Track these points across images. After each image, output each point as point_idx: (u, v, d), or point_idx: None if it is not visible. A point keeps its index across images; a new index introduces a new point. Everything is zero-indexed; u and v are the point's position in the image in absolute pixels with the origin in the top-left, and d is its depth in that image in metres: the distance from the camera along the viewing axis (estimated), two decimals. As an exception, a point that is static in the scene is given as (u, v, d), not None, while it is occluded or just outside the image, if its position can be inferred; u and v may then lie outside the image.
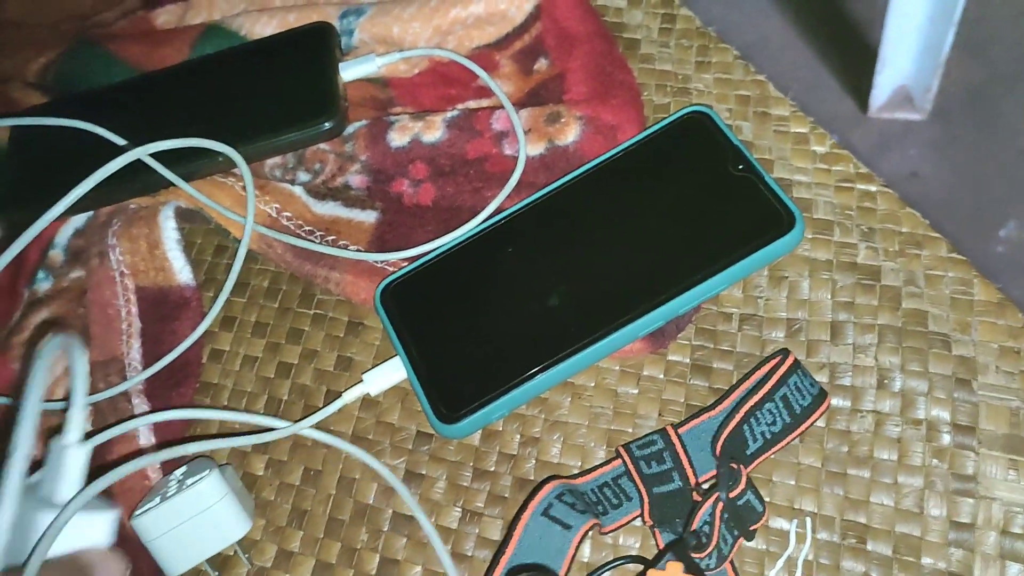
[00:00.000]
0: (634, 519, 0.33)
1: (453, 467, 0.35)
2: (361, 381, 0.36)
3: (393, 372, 0.36)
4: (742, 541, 0.31)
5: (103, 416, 0.38)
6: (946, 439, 0.32)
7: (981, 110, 0.38)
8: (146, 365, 0.39)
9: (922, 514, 0.31)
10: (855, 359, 0.34)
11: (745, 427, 0.32)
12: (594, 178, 0.38)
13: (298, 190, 0.42)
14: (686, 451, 0.33)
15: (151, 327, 0.40)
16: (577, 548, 0.32)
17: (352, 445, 0.35)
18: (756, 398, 0.32)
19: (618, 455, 0.34)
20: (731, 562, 0.31)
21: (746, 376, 0.34)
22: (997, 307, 0.34)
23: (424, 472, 0.35)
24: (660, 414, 0.35)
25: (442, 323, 0.36)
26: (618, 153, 0.38)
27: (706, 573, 0.30)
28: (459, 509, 0.35)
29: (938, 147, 0.37)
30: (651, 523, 0.32)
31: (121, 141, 0.41)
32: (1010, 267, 0.34)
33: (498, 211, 0.39)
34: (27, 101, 0.46)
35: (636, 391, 0.35)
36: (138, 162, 0.40)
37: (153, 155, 0.41)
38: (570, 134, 0.40)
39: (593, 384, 0.36)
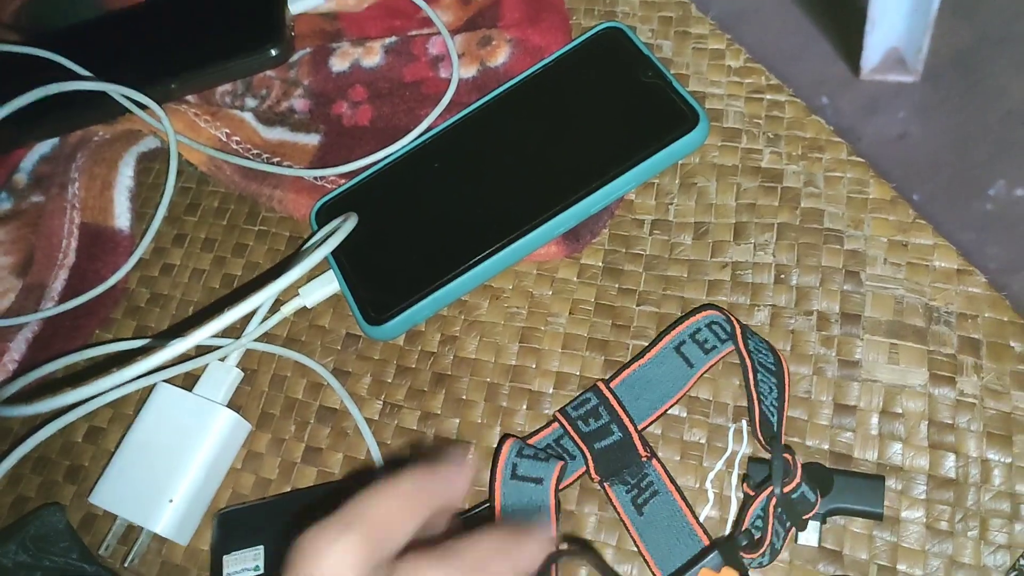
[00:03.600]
0: (581, 476, 0.33)
1: (377, 365, 0.37)
2: (298, 295, 0.38)
3: (327, 284, 0.38)
4: (794, 532, 0.30)
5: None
6: (835, 329, 0.33)
7: (970, 72, 0.38)
8: (63, 297, 0.42)
9: (810, 399, 0.33)
10: (755, 257, 0.35)
11: (764, 409, 0.32)
12: (514, 94, 0.40)
13: (248, 116, 0.44)
14: (620, 403, 0.33)
15: (81, 262, 0.42)
16: (557, 496, 0.32)
17: (290, 351, 0.38)
18: (751, 376, 0.32)
19: (555, 419, 0.34)
20: (662, 466, 0.32)
21: (674, 325, 0.34)
22: (890, 204, 0.35)
23: (351, 370, 0.38)
24: (571, 312, 0.36)
25: (370, 235, 0.38)
26: (537, 70, 0.40)
27: None
28: (380, 402, 0.37)
29: (926, 109, 0.37)
30: (598, 478, 0.32)
31: (81, 70, 0.44)
32: (996, 226, 0.34)
33: (428, 129, 0.41)
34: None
35: (550, 292, 0.37)
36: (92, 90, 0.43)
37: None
38: (500, 56, 0.41)
39: (511, 287, 0.38)
